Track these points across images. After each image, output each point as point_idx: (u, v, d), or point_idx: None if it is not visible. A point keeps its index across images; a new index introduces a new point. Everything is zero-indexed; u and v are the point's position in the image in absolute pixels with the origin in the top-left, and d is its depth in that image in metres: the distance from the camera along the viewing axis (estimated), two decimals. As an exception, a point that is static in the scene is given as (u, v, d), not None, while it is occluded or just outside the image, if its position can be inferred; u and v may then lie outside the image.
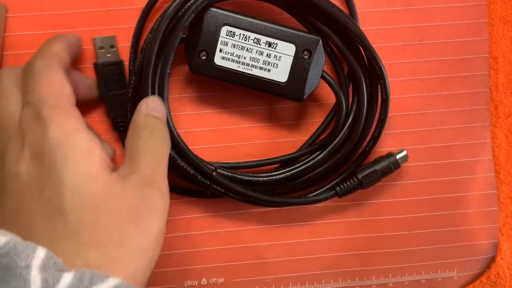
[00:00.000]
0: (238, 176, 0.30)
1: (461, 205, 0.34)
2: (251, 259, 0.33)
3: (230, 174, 0.30)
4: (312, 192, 0.31)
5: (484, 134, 0.34)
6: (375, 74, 0.30)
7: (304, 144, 0.32)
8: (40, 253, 0.18)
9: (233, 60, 0.29)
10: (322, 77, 0.30)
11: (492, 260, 0.34)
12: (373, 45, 0.30)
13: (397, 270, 0.34)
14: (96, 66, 0.30)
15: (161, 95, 0.28)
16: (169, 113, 0.29)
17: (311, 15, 0.30)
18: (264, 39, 0.29)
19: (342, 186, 0.31)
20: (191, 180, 0.29)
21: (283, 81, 0.29)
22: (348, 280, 0.34)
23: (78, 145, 0.21)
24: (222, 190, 0.29)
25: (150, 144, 0.23)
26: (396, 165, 0.31)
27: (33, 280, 0.17)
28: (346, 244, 0.34)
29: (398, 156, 0.31)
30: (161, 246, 0.22)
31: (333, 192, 0.31)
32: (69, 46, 0.26)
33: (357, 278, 0.34)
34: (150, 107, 0.25)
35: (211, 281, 0.33)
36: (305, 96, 0.30)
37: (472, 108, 0.34)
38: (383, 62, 0.30)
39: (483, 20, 0.34)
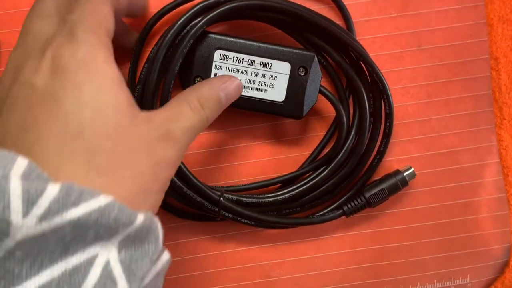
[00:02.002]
0: (244, 198, 0.30)
1: (471, 210, 0.33)
2: (259, 278, 0.33)
3: (235, 197, 0.29)
4: (320, 212, 0.31)
5: (489, 137, 0.33)
6: (377, 88, 0.30)
7: (306, 160, 0.32)
8: (21, 163, 0.16)
9: None
10: (320, 91, 0.29)
11: (506, 264, 0.33)
12: (369, 54, 0.29)
13: (409, 280, 0.33)
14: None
15: None
16: None
17: (307, 31, 0.30)
18: (258, 60, 0.29)
19: (349, 206, 0.31)
20: (198, 207, 0.29)
21: (280, 100, 0.29)
22: (359, 294, 0.33)
23: (108, 75, 0.19)
24: (230, 216, 0.29)
25: (191, 114, 0.22)
26: (404, 183, 0.31)
27: (13, 191, 0.15)
28: (355, 257, 0.33)
29: (405, 174, 0.31)
30: (163, 195, 0.21)
31: (340, 211, 0.31)
32: None
33: (368, 291, 0.33)
34: (226, 92, 0.24)
35: (221, 302, 0.33)
36: (304, 114, 0.29)
37: (475, 111, 0.33)
38: (381, 71, 0.29)
39: (481, 21, 0.33)
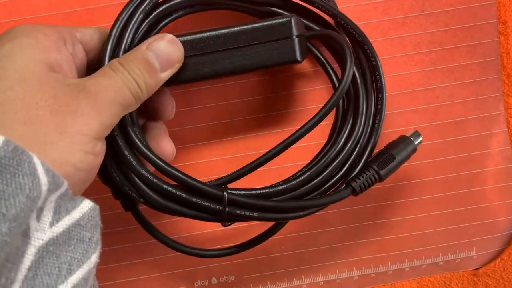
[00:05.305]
0: (253, 191, 0.26)
1: (477, 182, 0.32)
2: (261, 254, 0.32)
3: (242, 192, 0.25)
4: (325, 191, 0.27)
5: (497, 105, 0.32)
6: (355, 41, 0.27)
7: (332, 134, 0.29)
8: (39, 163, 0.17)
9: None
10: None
11: (513, 236, 0.33)
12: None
13: (413, 254, 0.33)
14: None
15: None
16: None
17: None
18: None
19: (357, 180, 0.26)
20: (198, 210, 0.25)
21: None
22: (363, 268, 0.33)
23: (28, 44, 0.20)
24: (242, 213, 0.25)
25: (111, 72, 0.21)
26: (413, 148, 0.27)
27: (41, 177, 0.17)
28: (358, 231, 0.32)
29: (412, 137, 0.27)
30: (83, 156, 0.19)
31: (349, 189, 0.26)
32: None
33: (372, 265, 0.33)
34: (155, 48, 0.23)
35: (222, 279, 0.32)
36: (302, 57, 0.26)
37: (482, 78, 0.32)
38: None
39: (488, -18, 0.31)
